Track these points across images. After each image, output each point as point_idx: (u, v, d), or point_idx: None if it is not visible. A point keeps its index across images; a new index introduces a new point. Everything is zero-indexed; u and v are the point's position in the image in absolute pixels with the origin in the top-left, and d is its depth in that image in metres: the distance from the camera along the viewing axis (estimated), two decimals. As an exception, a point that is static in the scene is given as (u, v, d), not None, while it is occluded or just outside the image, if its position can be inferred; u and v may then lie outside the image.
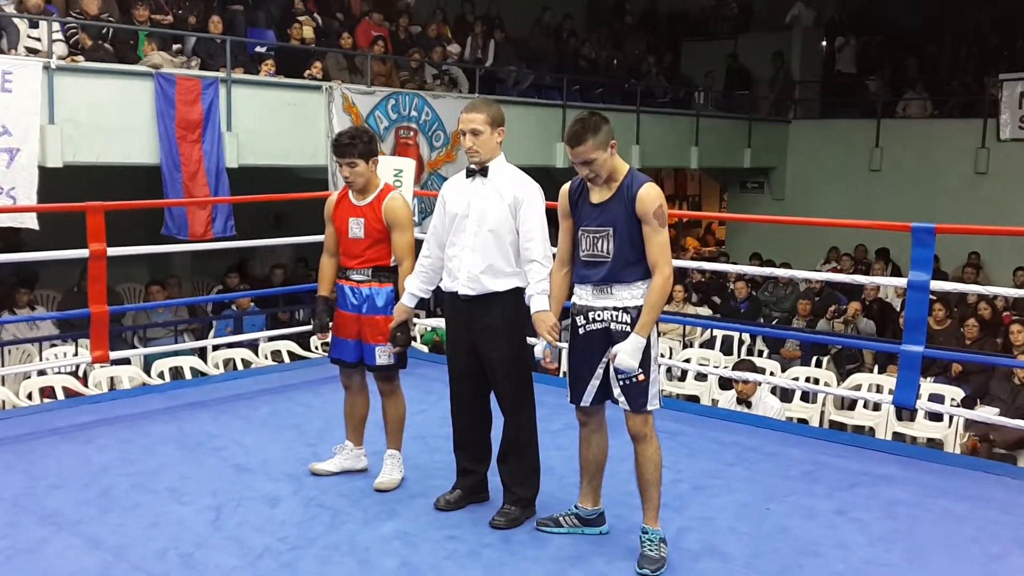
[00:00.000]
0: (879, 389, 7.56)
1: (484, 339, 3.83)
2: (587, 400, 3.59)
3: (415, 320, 4.50)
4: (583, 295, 3.55)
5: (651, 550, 3.48)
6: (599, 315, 3.50)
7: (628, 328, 3.43)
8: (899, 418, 7.55)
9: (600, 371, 3.53)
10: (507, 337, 3.83)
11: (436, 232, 3.96)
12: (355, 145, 4.08)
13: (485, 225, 3.77)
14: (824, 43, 18.07)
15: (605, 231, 3.45)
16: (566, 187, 3.65)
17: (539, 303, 3.70)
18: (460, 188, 3.89)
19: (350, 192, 4.21)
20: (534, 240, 3.75)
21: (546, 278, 3.72)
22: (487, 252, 3.77)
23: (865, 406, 7.86)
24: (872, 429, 7.62)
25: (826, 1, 18.12)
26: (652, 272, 3.42)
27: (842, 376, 8.64)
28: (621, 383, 3.46)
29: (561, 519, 3.80)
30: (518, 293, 3.80)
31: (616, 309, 3.47)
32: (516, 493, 3.89)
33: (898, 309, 10.47)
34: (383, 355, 4.17)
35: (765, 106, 17.24)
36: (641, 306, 3.43)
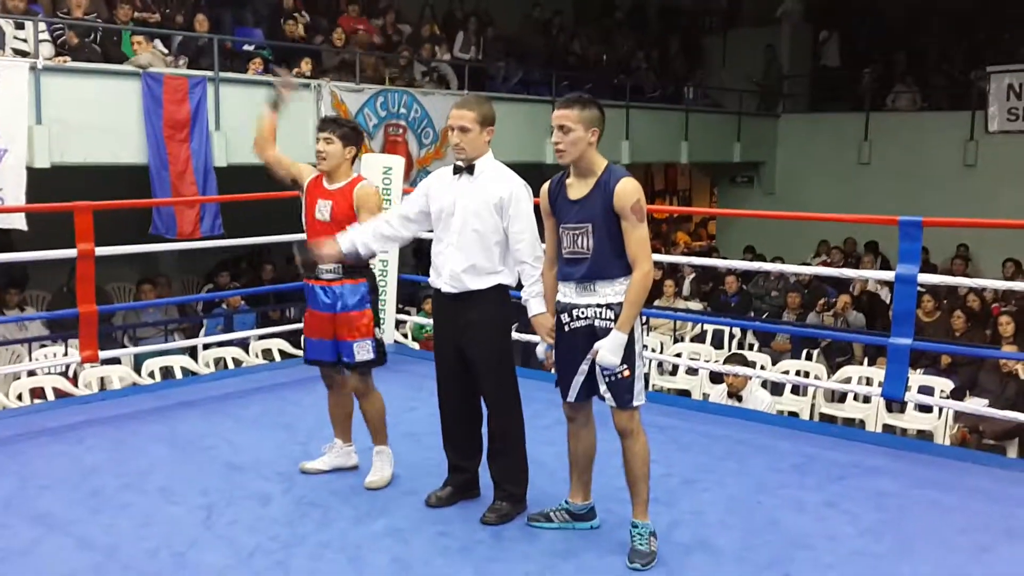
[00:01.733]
0: (869, 382, 7.59)
1: (467, 337, 3.81)
2: (573, 396, 3.60)
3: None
4: (567, 292, 3.55)
5: (641, 544, 3.49)
6: (583, 312, 3.50)
7: (611, 324, 3.42)
8: (889, 410, 7.58)
9: (585, 367, 3.53)
10: (489, 335, 3.82)
11: (406, 213, 3.94)
12: (339, 124, 4.15)
13: (469, 224, 3.74)
14: (813, 37, 18.11)
15: (584, 227, 3.45)
16: (545, 186, 3.66)
17: (536, 306, 3.71)
18: (446, 184, 3.84)
19: (324, 179, 4.18)
20: (523, 241, 3.74)
21: (538, 279, 3.72)
22: (470, 251, 3.75)
23: (855, 398, 7.90)
24: (862, 421, 7.65)
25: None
26: (632, 268, 3.42)
27: (832, 369, 8.68)
28: (607, 379, 3.47)
29: (552, 514, 3.80)
30: (501, 291, 3.80)
31: (599, 306, 3.46)
32: (506, 489, 3.90)
33: (887, 301, 10.51)
34: (362, 350, 4.14)
35: (754, 100, 17.28)
36: (623, 302, 3.43)
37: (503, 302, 3.82)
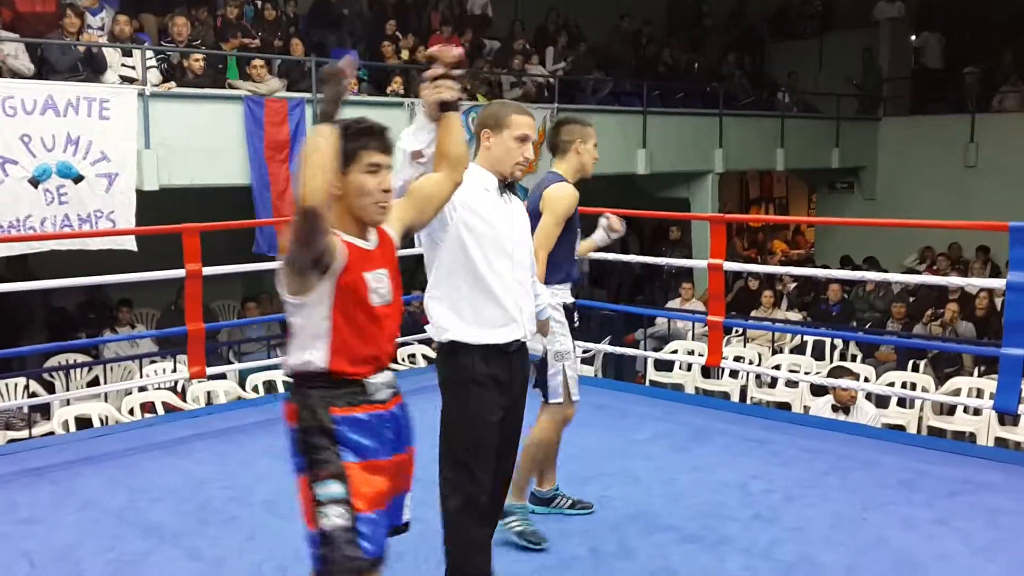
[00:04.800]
0: (980, 394, 7.30)
1: (523, 395, 3.16)
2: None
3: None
4: (568, 295, 3.85)
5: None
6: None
7: None
8: (1001, 423, 7.28)
9: None
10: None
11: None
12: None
13: (528, 256, 3.17)
14: (913, 37, 17.62)
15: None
16: (576, 193, 3.82)
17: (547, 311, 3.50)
18: (492, 201, 3.07)
19: (362, 235, 2.46)
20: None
21: None
22: (531, 290, 3.17)
23: (965, 411, 7.60)
24: (973, 435, 7.36)
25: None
26: None
27: (940, 380, 8.37)
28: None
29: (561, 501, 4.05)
30: None
31: None
32: None
33: (998, 309, 10.10)
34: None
35: (853, 104, 16.86)
36: None
37: None
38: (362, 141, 2.40)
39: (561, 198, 3.68)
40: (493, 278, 2.97)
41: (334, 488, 2.35)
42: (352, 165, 2.38)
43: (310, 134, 2.26)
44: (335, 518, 2.32)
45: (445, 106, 2.68)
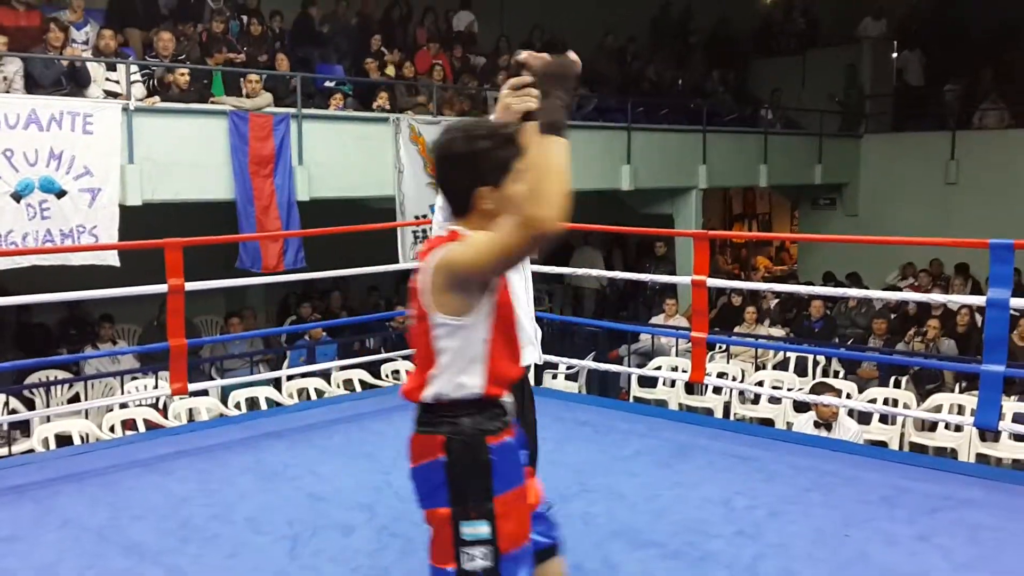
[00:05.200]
0: (961, 410, 7.35)
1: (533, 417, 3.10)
2: None
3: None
4: None
5: None
6: None
7: None
8: (983, 439, 7.32)
9: None
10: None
11: None
12: None
13: (530, 275, 3.11)
14: (895, 55, 17.82)
15: None
16: None
17: None
18: None
19: None
20: None
21: None
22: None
23: (947, 427, 7.64)
24: (954, 451, 7.39)
25: (894, 12, 17.85)
26: None
27: (922, 396, 8.42)
28: None
29: None
30: None
31: None
32: None
33: (978, 325, 10.18)
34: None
35: (836, 121, 17.00)
36: None
37: None
38: (511, 149, 2.28)
39: None
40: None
41: (483, 528, 2.28)
42: (507, 176, 2.26)
43: (547, 146, 2.12)
44: (479, 559, 2.28)
45: (527, 116, 2.51)
